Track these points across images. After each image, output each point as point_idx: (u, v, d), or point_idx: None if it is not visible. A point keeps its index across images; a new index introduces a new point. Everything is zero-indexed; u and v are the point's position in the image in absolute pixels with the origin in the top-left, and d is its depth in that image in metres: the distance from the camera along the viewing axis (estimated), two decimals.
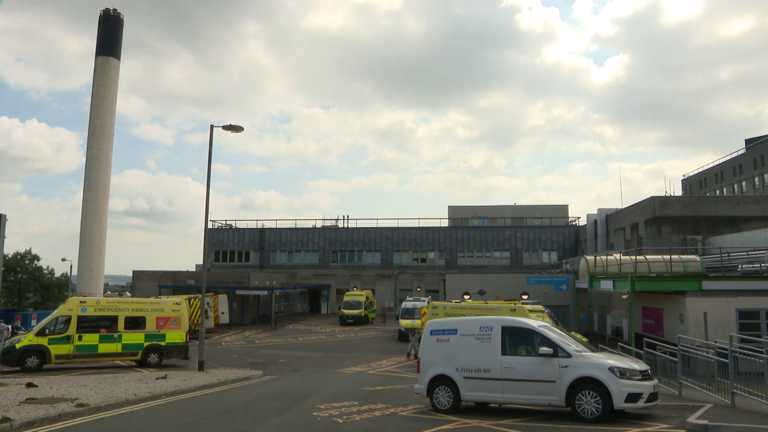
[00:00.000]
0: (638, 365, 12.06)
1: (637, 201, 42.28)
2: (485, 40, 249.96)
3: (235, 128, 22.18)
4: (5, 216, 30.89)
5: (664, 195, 47.82)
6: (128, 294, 67.51)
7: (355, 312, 44.82)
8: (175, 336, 23.14)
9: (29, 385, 15.76)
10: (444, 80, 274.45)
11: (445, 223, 65.51)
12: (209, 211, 22.60)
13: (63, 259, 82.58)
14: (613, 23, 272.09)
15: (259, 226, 65.14)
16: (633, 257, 24.47)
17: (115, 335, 22.23)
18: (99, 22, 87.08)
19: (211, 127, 22.40)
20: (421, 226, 62.34)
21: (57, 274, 57.63)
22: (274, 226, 64.74)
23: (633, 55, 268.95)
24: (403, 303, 37.29)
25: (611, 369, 11.41)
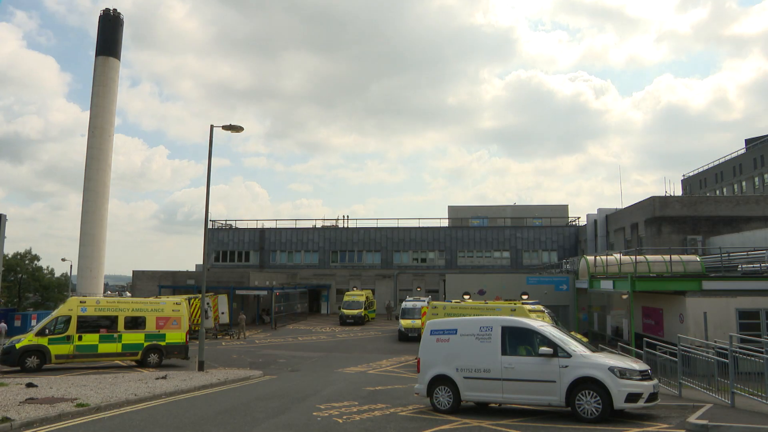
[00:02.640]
0: (638, 365, 12.05)
1: (637, 201, 42.32)
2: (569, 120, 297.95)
3: (235, 128, 22.21)
4: (5, 216, 30.89)
5: (664, 195, 47.82)
6: (128, 294, 67.50)
7: (355, 312, 44.82)
8: (175, 336, 23.14)
9: (29, 385, 15.76)
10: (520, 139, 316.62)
11: (445, 223, 65.51)
12: (209, 211, 22.62)
13: (63, 259, 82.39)
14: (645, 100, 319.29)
15: (259, 226, 65.14)
16: (633, 257, 24.47)
17: (115, 335, 22.23)
18: (99, 22, 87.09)
19: (211, 127, 22.42)
20: (421, 226, 62.36)
21: (57, 274, 57.65)
22: (274, 226, 64.74)
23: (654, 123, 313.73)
24: (403, 303, 37.31)
25: (611, 369, 11.41)
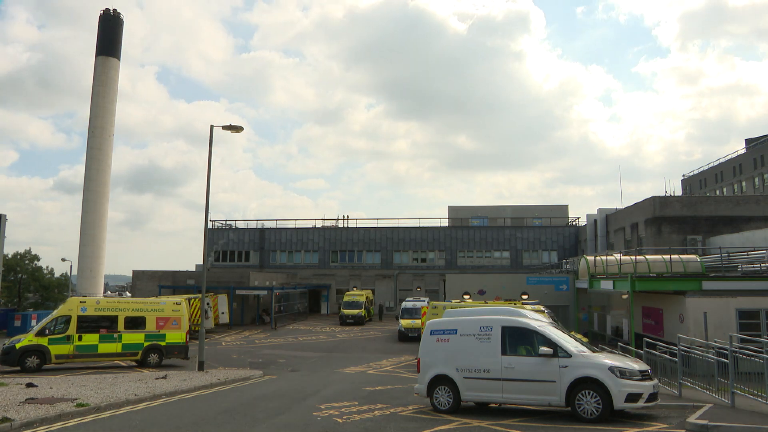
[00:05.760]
0: (638, 365, 12.05)
1: (637, 201, 42.31)
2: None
3: (235, 128, 22.23)
4: (5, 216, 30.87)
5: (664, 195, 47.82)
6: (128, 294, 67.46)
7: (355, 312, 44.84)
8: (175, 336, 23.14)
9: (29, 385, 15.76)
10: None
11: (445, 223, 65.50)
12: (209, 211, 22.62)
13: (63, 259, 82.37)
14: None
15: (259, 226, 65.14)
16: (633, 257, 24.47)
17: (115, 335, 22.23)
18: (99, 22, 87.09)
19: (211, 126, 22.42)
20: (421, 226, 62.34)
21: (57, 274, 57.51)
22: (274, 226, 64.74)
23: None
24: (403, 303, 37.32)
25: (611, 369, 11.41)
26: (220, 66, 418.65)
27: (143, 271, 48.71)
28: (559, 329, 13.54)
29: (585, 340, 17.04)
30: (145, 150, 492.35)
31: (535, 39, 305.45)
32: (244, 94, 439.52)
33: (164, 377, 18.30)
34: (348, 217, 68.60)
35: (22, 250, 53.54)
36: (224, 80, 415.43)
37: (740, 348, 13.53)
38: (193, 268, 63.17)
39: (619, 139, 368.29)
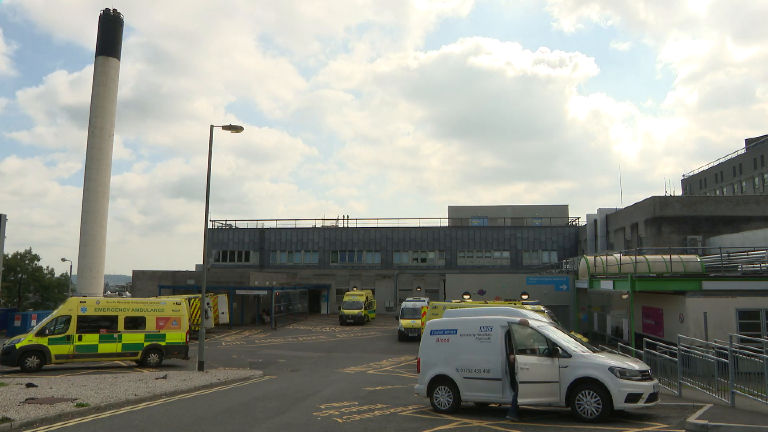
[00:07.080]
0: (638, 365, 12.06)
1: (637, 201, 42.31)
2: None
3: (235, 128, 22.23)
4: (5, 216, 30.86)
5: (664, 195, 47.82)
6: (128, 294, 67.47)
7: (355, 312, 44.84)
8: (175, 336, 23.15)
9: (29, 385, 15.76)
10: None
11: (445, 223, 65.50)
12: (209, 211, 22.61)
13: (63, 259, 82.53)
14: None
15: (259, 226, 65.14)
16: (633, 257, 24.47)
17: (115, 335, 22.24)
18: (99, 21, 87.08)
19: (211, 127, 22.43)
20: (421, 226, 62.35)
21: (57, 274, 57.49)
22: (274, 226, 64.74)
23: None
24: (403, 303, 37.32)
25: (611, 369, 11.41)
26: (285, 101, 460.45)
27: (143, 271, 48.70)
28: (559, 329, 13.54)
29: (585, 340, 17.04)
30: (197, 161, 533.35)
31: (579, 83, 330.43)
32: (300, 121, 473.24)
33: (164, 377, 18.30)
34: (348, 217, 68.66)
35: (28, 250, 53.58)
36: (286, 110, 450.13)
37: (740, 348, 13.54)
38: (193, 268, 63.19)
39: (633, 153, 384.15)
